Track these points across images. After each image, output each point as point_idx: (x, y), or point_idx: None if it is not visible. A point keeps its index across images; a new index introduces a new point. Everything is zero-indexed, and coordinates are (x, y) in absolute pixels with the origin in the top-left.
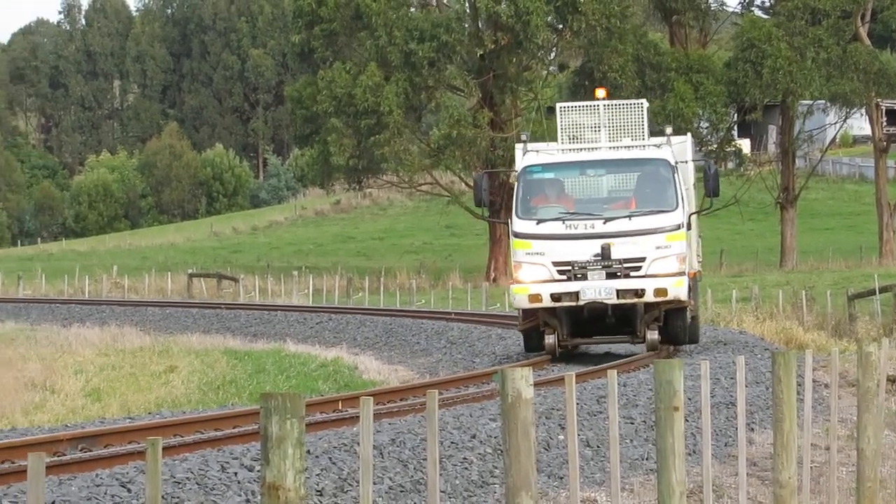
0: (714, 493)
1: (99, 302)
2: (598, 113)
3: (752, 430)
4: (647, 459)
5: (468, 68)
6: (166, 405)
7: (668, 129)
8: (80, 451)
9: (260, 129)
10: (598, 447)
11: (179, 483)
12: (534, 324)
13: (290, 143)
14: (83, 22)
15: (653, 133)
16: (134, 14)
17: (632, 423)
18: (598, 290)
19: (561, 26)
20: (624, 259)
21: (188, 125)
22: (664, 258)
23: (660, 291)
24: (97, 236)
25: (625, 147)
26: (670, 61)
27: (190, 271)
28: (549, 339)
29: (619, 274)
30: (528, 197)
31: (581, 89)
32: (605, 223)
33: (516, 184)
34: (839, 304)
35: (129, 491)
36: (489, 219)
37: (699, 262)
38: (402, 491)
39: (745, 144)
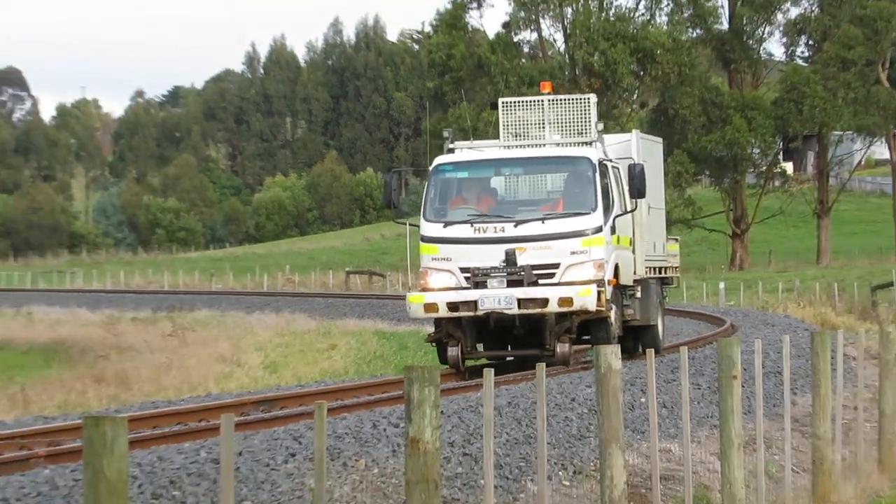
0: (764, 444)
1: (274, 294)
2: (543, 109)
3: (795, 393)
4: (710, 417)
5: None
6: (329, 375)
7: (600, 126)
8: (261, 412)
9: (402, 156)
10: (672, 408)
11: (340, 437)
12: (442, 334)
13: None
14: (261, 71)
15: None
16: (302, 64)
17: (699, 389)
18: (497, 298)
19: (641, 73)
20: (535, 265)
21: (345, 153)
22: (580, 265)
23: (564, 301)
24: (273, 241)
25: (546, 145)
26: (729, 100)
27: (347, 269)
28: (452, 352)
29: (523, 282)
30: (437, 198)
31: (658, 124)
32: (516, 226)
33: (426, 183)
34: (864, 294)
35: (300, 444)
36: (399, 220)
37: (654, 267)
38: (516, 443)
39: (788, 167)
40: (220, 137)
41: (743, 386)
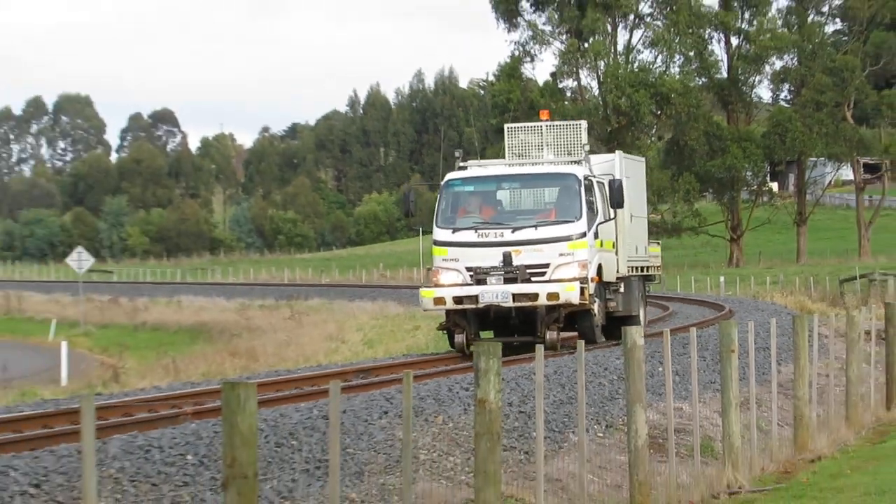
0: (756, 404)
1: (371, 286)
2: (542, 133)
3: (780, 364)
4: (713, 383)
5: (600, 138)
6: (414, 350)
7: (587, 147)
8: (361, 378)
9: None
10: (683, 375)
11: (422, 398)
12: (450, 324)
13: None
14: (361, 111)
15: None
16: (393, 106)
17: (704, 360)
18: (495, 293)
19: (659, 112)
20: (528, 265)
21: (426, 175)
22: (567, 264)
23: (552, 296)
24: (370, 245)
25: (541, 163)
26: (727, 134)
27: (427, 267)
28: (458, 338)
29: (517, 279)
30: (447, 208)
31: (671, 152)
32: (513, 232)
33: (439, 196)
34: (834, 285)
35: (391, 404)
36: (414, 228)
37: (636, 267)
38: (560, 403)
39: (774, 186)
40: (329, 163)
41: (739, 357)
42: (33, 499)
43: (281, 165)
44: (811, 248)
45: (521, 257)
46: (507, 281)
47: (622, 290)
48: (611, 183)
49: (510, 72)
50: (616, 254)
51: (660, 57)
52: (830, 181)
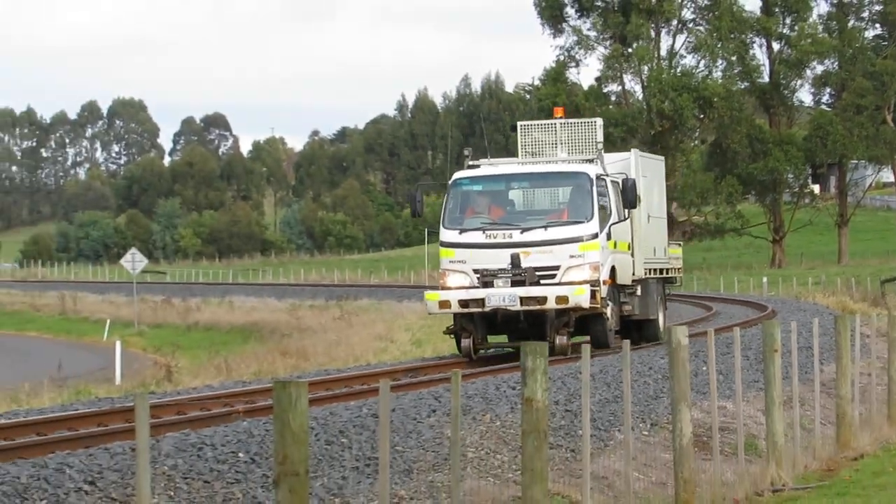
0: (799, 403)
1: (419, 286)
2: (556, 131)
3: (823, 363)
4: (757, 382)
5: (644, 141)
6: None
7: (599, 145)
8: (410, 377)
9: None
10: (727, 374)
11: (470, 397)
12: (457, 328)
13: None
14: (409, 115)
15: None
16: (440, 110)
17: (747, 360)
18: (502, 297)
19: (702, 116)
20: (538, 267)
21: None
22: (577, 267)
23: (561, 299)
24: (418, 246)
25: (552, 162)
26: (769, 137)
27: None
28: (465, 342)
29: (526, 281)
30: (454, 208)
31: (714, 155)
32: (521, 233)
33: (446, 196)
34: (875, 286)
35: (439, 402)
36: (422, 227)
37: (655, 269)
38: (606, 402)
39: (816, 188)
40: (378, 166)
41: (782, 357)
42: (88, 496)
43: (331, 168)
44: (852, 249)
45: (531, 259)
46: (515, 283)
47: (639, 292)
48: (624, 182)
49: (555, 76)
50: (632, 255)
51: (702, 61)
52: (871, 183)
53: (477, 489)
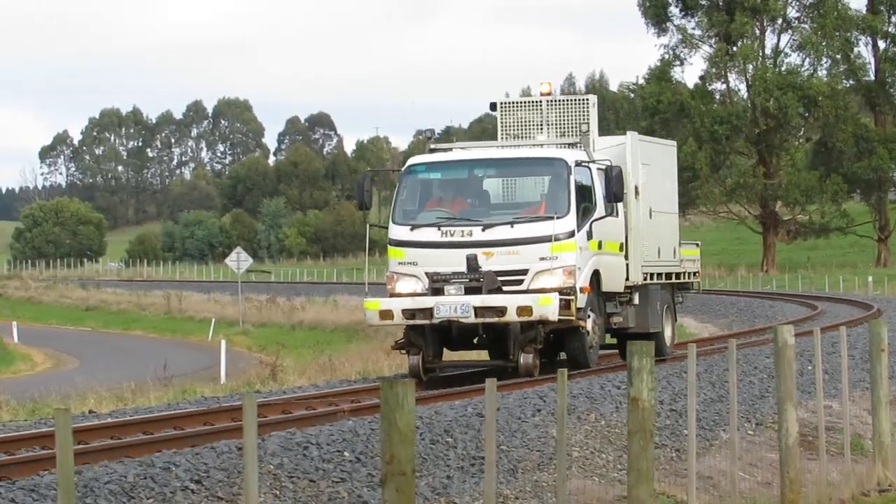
0: None
1: None
2: (542, 110)
3: None
4: (863, 381)
5: (749, 140)
6: None
7: (584, 126)
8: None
9: None
10: (833, 373)
11: (575, 396)
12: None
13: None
14: None
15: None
16: None
17: (853, 359)
18: (453, 306)
19: (806, 114)
20: (501, 271)
21: None
22: (549, 271)
23: (523, 310)
24: None
25: (524, 146)
26: (875, 135)
27: None
28: (412, 361)
29: (482, 288)
30: (407, 200)
31: (819, 154)
32: (483, 230)
33: (398, 185)
34: None
35: (543, 401)
36: (375, 225)
37: (659, 273)
38: (711, 401)
39: None
40: None
41: (889, 357)
42: (194, 494)
43: None
44: None
45: (493, 261)
46: (470, 290)
47: (636, 301)
48: (608, 170)
49: (660, 75)
50: (625, 257)
51: (807, 60)
52: None
53: (582, 488)
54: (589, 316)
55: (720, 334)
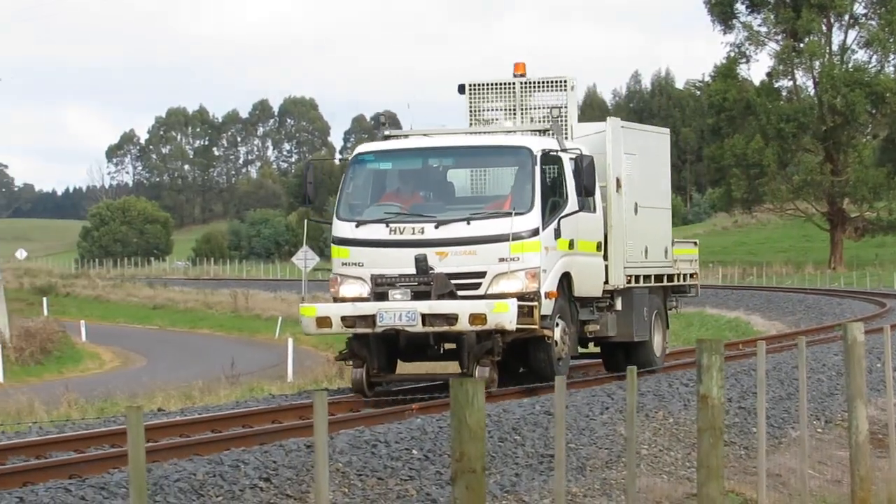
0: None
1: None
2: (515, 93)
3: None
4: None
5: (816, 137)
6: None
7: (555, 111)
8: (582, 374)
9: (687, 176)
10: None
11: (643, 394)
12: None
13: (706, 184)
14: (578, 111)
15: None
16: (610, 106)
17: None
18: (398, 313)
19: (874, 111)
20: (456, 274)
21: None
22: (509, 274)
23: (476, 318)
24: None
25: (486, 133)
26: None
27: None
28: (356, 374)
29: (431, 293)
30: (354, 193)
31: (887, 150)
32: (437, 227)
33: (343, 176)
34: None
35: (612, 399)
36: (312, 219)
37: (645, 275)
38: (780, 399)
39: None
40: None
41: None
42: (263, 492)
43: None
44: None
45: (447, 262)
46: (418, 295)
47: (618, 307)
48: (577, 160)
49: (726, 72)
50: (604, 258)
51: (874, 56)
52: None
53: (651, 486)
54: (557, 324)
55: (788, 332)
